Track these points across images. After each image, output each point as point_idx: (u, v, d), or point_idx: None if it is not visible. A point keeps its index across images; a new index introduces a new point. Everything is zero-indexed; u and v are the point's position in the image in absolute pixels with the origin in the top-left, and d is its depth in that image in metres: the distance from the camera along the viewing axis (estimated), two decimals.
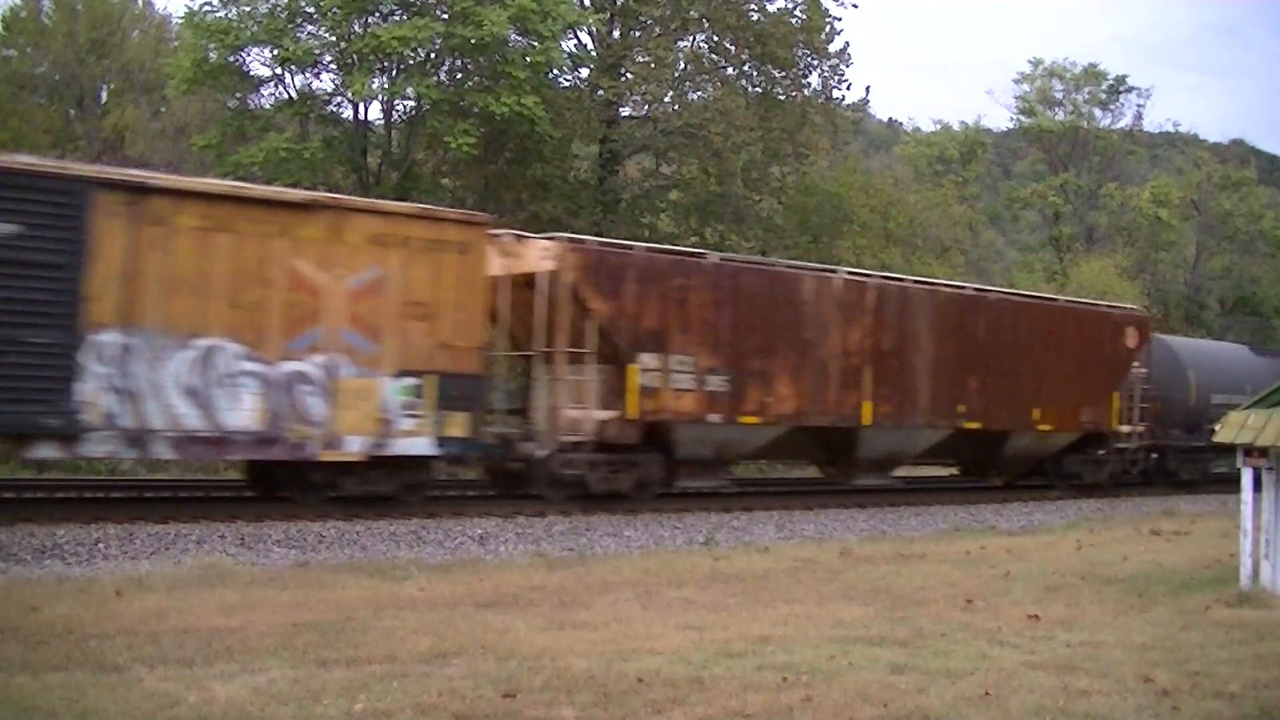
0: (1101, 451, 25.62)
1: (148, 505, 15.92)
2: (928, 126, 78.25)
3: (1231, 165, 55.90)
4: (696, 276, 19.16)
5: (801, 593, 12.00)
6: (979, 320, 23.08)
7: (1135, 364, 25.81)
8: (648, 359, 18.47)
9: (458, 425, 16.82)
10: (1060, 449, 25.07)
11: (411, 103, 28.33)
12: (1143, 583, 12.79)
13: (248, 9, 27.27)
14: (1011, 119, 58.18)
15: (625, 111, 32.24)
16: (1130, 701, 7.57)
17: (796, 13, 32.55)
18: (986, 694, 7.62)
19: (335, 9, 26.92)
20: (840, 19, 39.56)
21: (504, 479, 19.15)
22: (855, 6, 39.28)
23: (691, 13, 31.51)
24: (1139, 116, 56.20)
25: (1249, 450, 11.71)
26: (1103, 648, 9.23)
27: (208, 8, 27.55)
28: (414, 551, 14.85)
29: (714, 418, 19.19)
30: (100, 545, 13.76)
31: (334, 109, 29.39)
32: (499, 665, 8.14)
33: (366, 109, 29.25)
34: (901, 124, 74.89)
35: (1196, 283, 52.92)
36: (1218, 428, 12.36)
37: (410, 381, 16.44)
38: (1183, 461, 28.33)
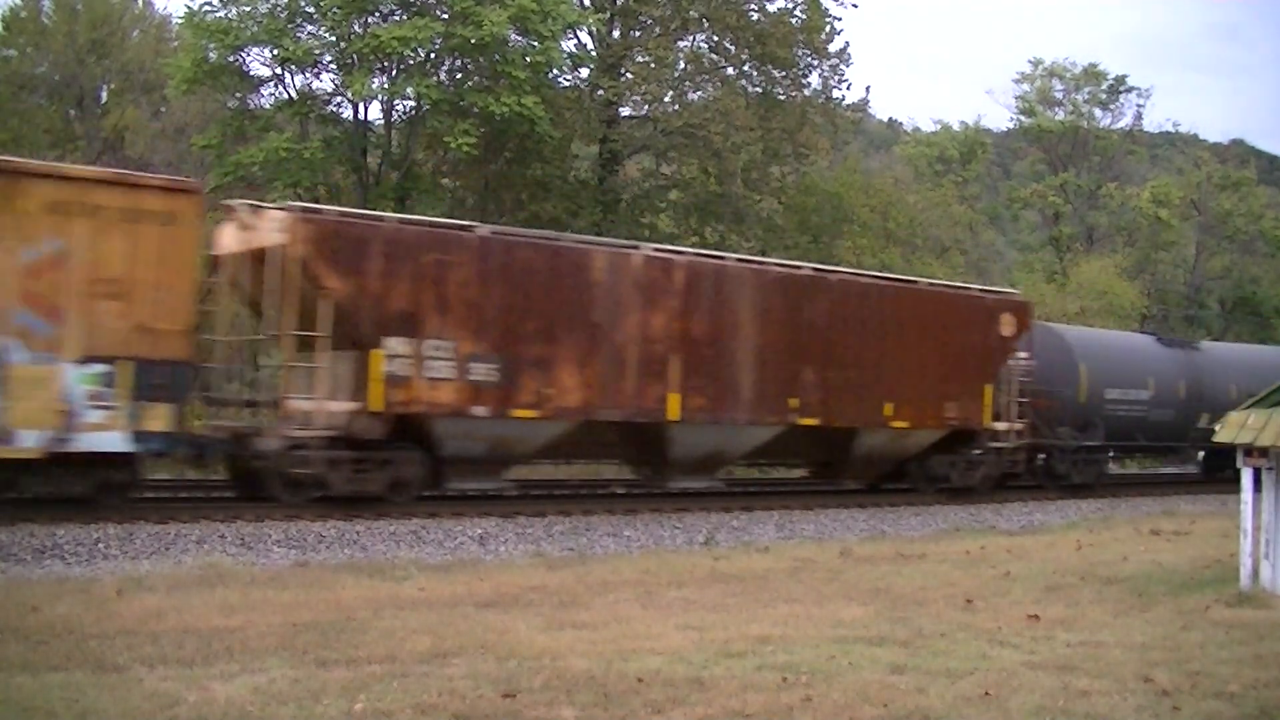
0: (978, 451, 23.17)
1: (148, 505, 15.91)
2: (928, 126, 78.37)
3: (1231, 165, 55.89)
4: (459, 251, 17.01)
5: (801, 593, 12.01)
6: (818, 304, 20.54)
7: (1014, 354, 23.45)
8: (396, 344, 16.40)
9: (159, 418, 14.95)
10: (924, 448, 22.57)
11: (411, 103, 28.36)
12: (1143, 583, 12.79)
13: (248, 9, 27.29)
14: (1011, 119, 58.24)
15: (625, 111, 32.25)
16: (1130, 701, 7.57)
17: (796, 13, 32.55)
18: (986, 694, 7.62)
19: (335, 9, 26.94)
20: (840, 19, 39.65)
21: (246, 479, 17.17)
22: (855, 6, 39.41)
23: (691, 13, 31.51)
24: (1139, 116, 56.25)
25: (1249, 450, 11.70)
26: (1103, 648, 9.22)
27: (208, 8, 27.57)
28: (414, 551, 14.86)
29: (480, 411, 17.06)
30: (100, 545, 13.76)
31: (334, 109, 29.43)
32: (499, 665, 8.14)
33: (366, 109, 29.32)
34: (901, 124, 74.95)
35: (1196, 283, 52.92)
36: (1219, 427, 12.33)
37: (99, 369, 14.55)
38: (1074, 463, 25.82)
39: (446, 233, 17.39)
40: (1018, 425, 23.49)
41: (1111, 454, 28.80)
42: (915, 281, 23.55)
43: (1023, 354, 23.97)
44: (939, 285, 24.05)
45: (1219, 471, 30.16)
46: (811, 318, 20.46)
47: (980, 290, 24.31)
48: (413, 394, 16.56)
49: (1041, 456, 25.48)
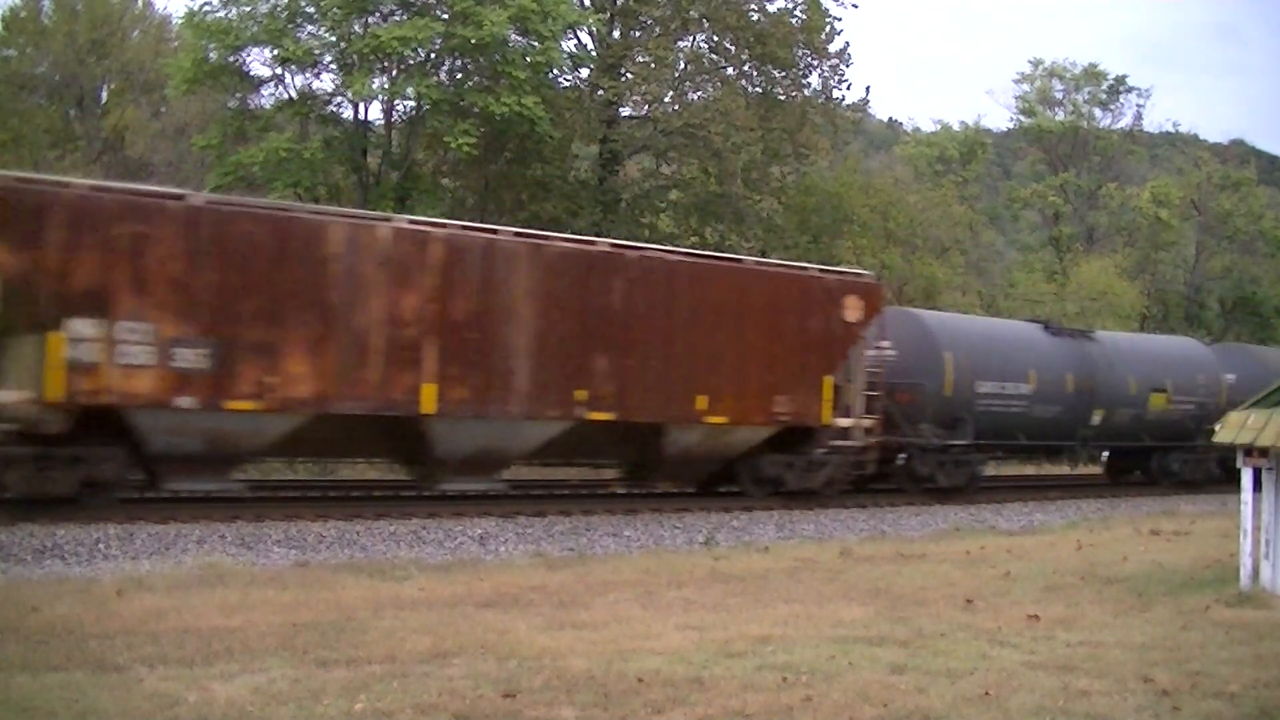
0: (823, 450, 20.62)
1: (148, 505, 15.92)
2: (928, 126, 78.42)
3: (1231, 165, 55.84)
4: (161, 223, 15.08)
5: (801, 593, 12.01)
6: (614, 284, 18.29)
7: (861, 342, 20.99)
8: (82, 326, 14.48)
9: None
10: (753, 448, 20.18)
11: (411, 103, 28.36)
12: (1143, 583, 12.78)
13: (248, 9, 27.30)
14: (1011, 119, 58.26)
15: (625, 111, 32.26)
16: (1130, 701, 7.57)
17: (796, 13, 32.56)
18: (986, 694, 7.62)
19: (335, 9, 26.95)
20: (840, 19, 39.66)
21: None
22: (855, 6, 39.41)
23: (691, 13, 31.52)
24: (1139, 116, 56.26)
25: (1249, 450, 11.70)
26: (1103, 648, 9.22)
27: (208, 8, 27.60)
28: (414, 551, 14.87)
29: (186, 402, 15.11)
30: (100, 545, 13.76)
31: (334, 109, 29.44)
32: (499, 665, 8.14)
33: (366, 109, 29.34)
34: (901, 124, 74.94)
35: (1196, 283, 52.90)
36: (1219, 426, 12.31)
37: None
38: (940, 464, 23.14)
39: (146, 201, 15.37)
40: (866, 422, 20.94)
41: (1000, 455, 26.59)
42: (739, 260, 21.21)
43: (884, 343, 21.89)
44: (767, 264, 21.58)
45: (1125, 474, 29.53)
46: (606, 299, 18.19)
47: (820, 270, 21.46)
48: (102, 383, 14.62)
49: (902, 456, 22.88)
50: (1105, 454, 30.02)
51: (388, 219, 17.29)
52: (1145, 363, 27.59)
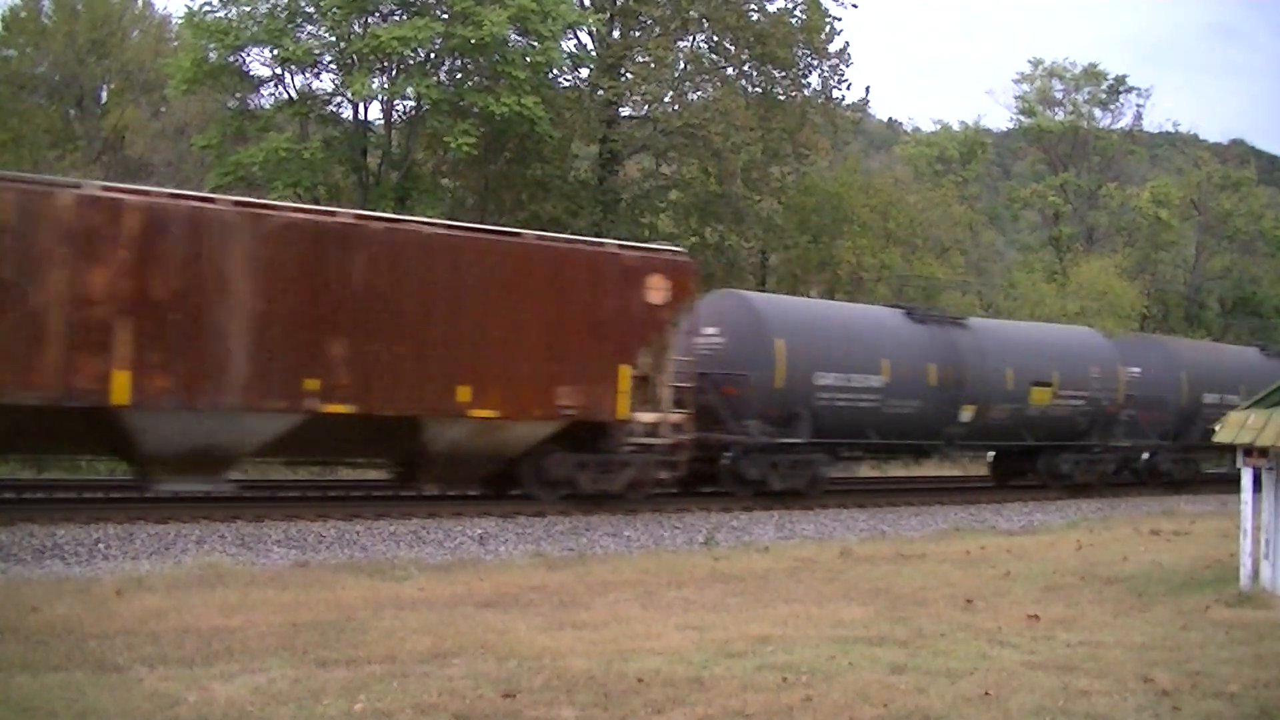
0: (629, 449, 18.43)
1: (148, 505, 15.92)
2: (928, 126, 78.33)
3: (1231, 165, 55.87)
4: None
5: (801, 593, 12.01)
6: (354, 259, 16.17)
7: (669, 326, 18.72)
8: None
9: None
10: (536, 445, 17.90)
11: (411, 103, 28.37)
12: (1143, 583, 12.79)
13: (248, 9, 27.31)
14: (1011, 119, 58.16)
15: (625, 111, 32.27)
16: (1130, 701, 7.57)
17: (796, 13, 32.60)
18: (986, 694, 7.62)
19: (335, 9, 26.95)
20: (840, 19, 39.68)
21: None
22: (855, 6, 39.43)
23: (691, 13, 31.54)
24: (1139, 116, 56.19)
25: (1249, 450, 11.70)
26: (1103, 648, 9.23)
27: (208, 8, 27.60)
28: (414, 551, 14.87)
29: None
30: (100, 545, 13.76)
31: (334, 109, 29.46)
32: (499, 665, 8.14)
33: (366, 109, 29.35)
34: (901, 124, 74.94)
35: (1196, 283, 52.91)
36: (1219, 426, 12.30)
37: None
38: (772, 464, 20.57)
39: None
40: (675, 416, 18.73)
41: (851, 455, 24.42)
42: (517, 233, 18.70)
43: (710, 329, 20.27)
44: (551, 238, 19.09)
45: (1016, 476, 26.70)
46: (344, 277, 16.10)
47: (619, 246, 19.14)
48: None
49: (728, 456, 20.55)
50: (991, 454, 27.86)
51: (78, 185, 15.12)
52: (1026, 353, 24.86)
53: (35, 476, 20.06)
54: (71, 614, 9.60)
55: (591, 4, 31.51)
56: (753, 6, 32.15)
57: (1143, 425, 27.34)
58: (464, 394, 16.83)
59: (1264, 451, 11.59)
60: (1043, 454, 25.59)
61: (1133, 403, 26.97)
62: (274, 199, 27.80)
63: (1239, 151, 65.24)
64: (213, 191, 28.42)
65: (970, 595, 11.79)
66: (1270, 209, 54.54)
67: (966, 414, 23.31)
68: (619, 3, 31.57)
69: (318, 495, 18.71)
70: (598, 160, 32.47)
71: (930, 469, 30.37)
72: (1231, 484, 28.18)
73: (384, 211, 24.42)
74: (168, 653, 8.28)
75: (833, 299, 34.16)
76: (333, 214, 16.86)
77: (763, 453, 20.46)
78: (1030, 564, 14.52)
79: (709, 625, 9.89)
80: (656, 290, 18.54)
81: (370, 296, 16.22)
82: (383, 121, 29.81)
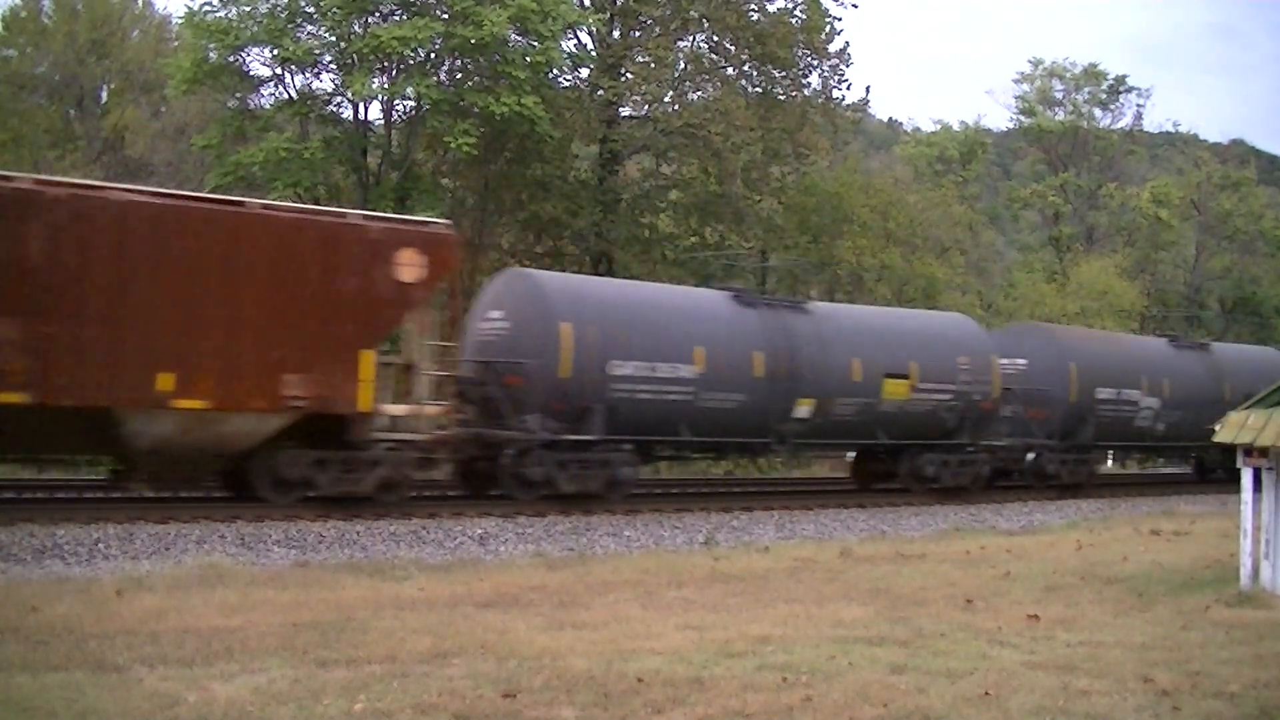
0: (388, 446, 16.68)
1: (148, 505, 15.92)
2: (928, 126, 78.36)
3: (1231, 165, 55.93)
4: None
5: (801, 593, 12.01)
6: (28, 230, 14.29)
7: (423, 307, 17.02)
8: None
9: None
10: (263, 440, 15.90)
11: (411, 103, 28.39)
12: (1143, 583, 12.79)
13: (248, 9, 27.34)
14: (1011, 119, 58.25)
15: (625, 111, 32.29)
16: (1130, 701, 7.57)
17: (796, 13, 32.61)
18: (986, 694, 7.62)
19: (335, 9, 26.97)
20: (840, 19, 39.68)
21: None
22: (855, 6, 39.40)
23: (691, 13, 31.56)
24: (1139, 116, 56.30)
25: (1249, 450, 11.70)
26: (1103, 648, 9.23)
27: (208, 8, 27.64)
28: (414, 551, 14.86)
29: None
30: (100, 545, 13.76)
31: (334, 109, 29.49)
32: (499, 665, 8.14)
33: (366, 109, 29.37)
34: (901, 124, 75.01)
35: (1196, 283, 52.94)
36: (1219, 426, 12.29)
37: None
38: (559, 463, 18.18)
39: None
40: (432, 409, 17.01)
41: (663, 455, 22.15)
42: (238, 203, 16.78)
43: (495, 312, 18.66)
44: (277, 208, 17.22)
45: (885, 479, 23.79)
46: (17, 249, 14.29)
47: (362, 217, 17.16)
48: None
49: (509, 453, 18.14)
50: (851, 454, 25.53)
51: None
52: (878, 342, 22.13)
53: (35, 476, 20.05)
54: (71, 614, 9.59)
55: (591, 4, 31.53)
56: (753, 6, 32.17)
57: (1028, 423, 24.84)
58: (165, 382, 14.90)
59: (1264, 451, 11.59)
60: (905, 454, 22.95)
61: (1015, 398, 24.58)
62: (274, 199, 27.88)
63: (1239, 151, 65.25)
64: (213, 192, 28.59)
65: (970, 595, 11.79)
66: (1270, 209, 54.59)
67: (803, 409, 20.74)
68: (619, 3, 31.59)
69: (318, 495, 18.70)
70: (598, 160, 32.49)
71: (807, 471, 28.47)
72: (1130, 487, 27.11)
73: (384, 211, 24.39)
74: (168, 653, 8.28)
75: (833, 299, 34.17)
76: (8, 179, 14.82)
77: (550, 451, 18.12)
78: (1030, 564, 14.51)
79: (709, 625, 9.89)
80: (409, 266, 16.47)
81: (49, 271, 14.36)
82: (383, 121, 29.85)
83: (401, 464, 16.76)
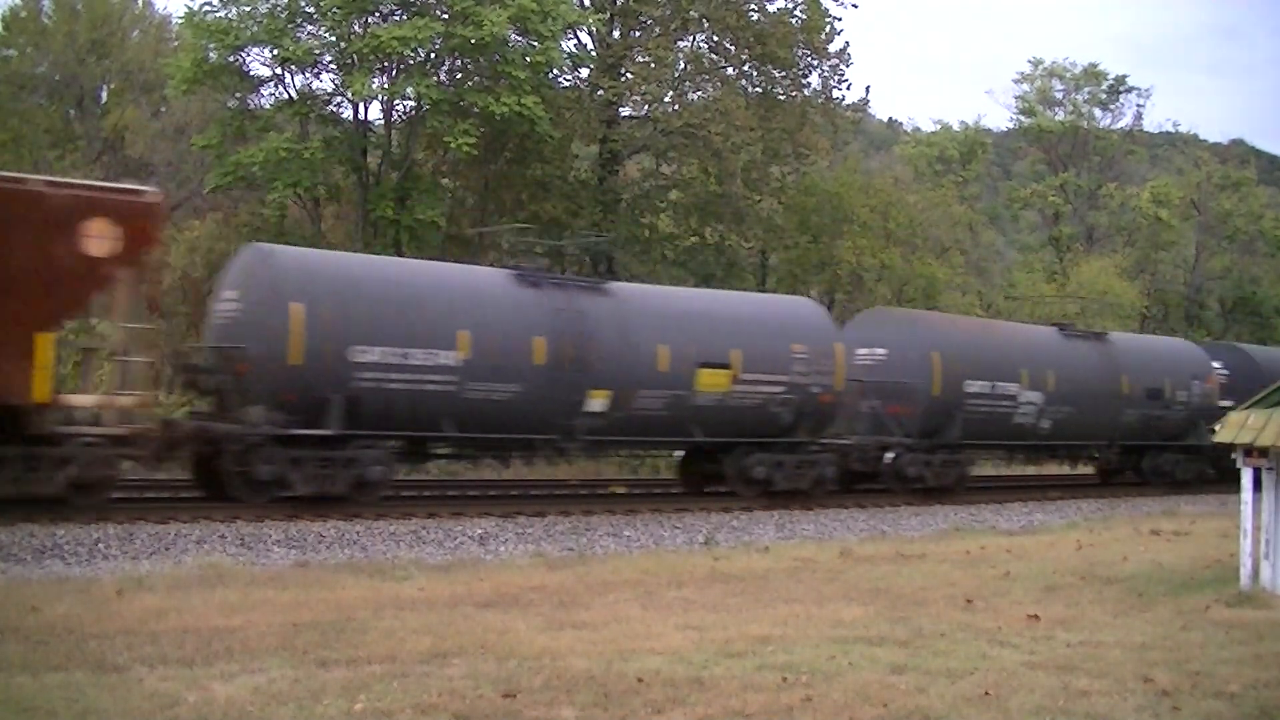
0: (85, 441, 14.73)
1: (148, 505, 15.91)
2: (928, 126, 78.34)
3: (1231, 165, 55.90)
4: None
5: (801, 593, 12.01)
6: None
7: (115, 284, 14.67)
8: None
9: None
10: None
11: (411, 103, 28.39)
12: (1143, 583, 12.78)
13: (248, 9, 27.34)
14: (1011, 119, 58.22)
15: (625, 111, 32.30)
16: (1130, 701, 7.57)
17: (796, 13, 32.60)
18: (986, 694, 7.62)
19: (335, 9, 26.97)
20: (840, 19, 39.67)
21: None
22: (855, 6, 39.41)
23: (691, 13, 31.56)
24: (1139, 116, 56.28)
25: (1249, 450, 11.69)
26: (1103, 648, 9.23)
27: (208, 8, 27.64)
28: (414, 551, 14.86)
29: None
30: (100, 545, 13.76)
31: (334, 109, 29.49)
32: (499, 665, 8.14)
33: (366, 109, 29.37)
34: (901, 124, 74.96)
35: (1196, 283, 52.91)
36: (1219, 426, 12.29)
37: None
38: (292, 461, 16.22)
39: None
40: (124, 400, 15.02)
41: (430, 454, 19.65)
42: None
43: (230, 293, 17.00)
44: None
45: (713, 482, 21.46)
46: None
47: (44, 183, 15.08)
48: None
49: (236, 449, 16.19)
50: (679, 453, 23.01)
51: None
52: (691, 328, 19.73)
53: None
54: (71, 614, 9.59)
55: (591, 4, 31.53)
56: (753, 6, 32.16)
57: (885, 419, 22.30)
58: None
59: (1264, 451, 11.59)
60: (731, 454, 20.52)
61: (872, 391, 22.21)
62: (274, 199, 27.84)
63: (1239, 151, 65.24)
64: (213, 192, 28.57)
65: (970, 595, 11.79)
66: (1270, 209, 54.57)
67: (597, 402, 18.52)
68: (619, 3, 31.60)
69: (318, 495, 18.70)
70: (598, 160, 32.50)
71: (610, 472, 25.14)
72: (1001, 490, 25.36)
73: (383, 211, 24.43)
74: (168, 653, 8.28)
75: (832, 299, 34.16)
76: None
77: (283, 448, 16.14)
78: (1030, 564, 14.51)
79: (709, 625, 9.89)
80: (100, 239, 14.53)
81: None
82: (383, 121, 29.85)
83: (97, 462, 14.80)
